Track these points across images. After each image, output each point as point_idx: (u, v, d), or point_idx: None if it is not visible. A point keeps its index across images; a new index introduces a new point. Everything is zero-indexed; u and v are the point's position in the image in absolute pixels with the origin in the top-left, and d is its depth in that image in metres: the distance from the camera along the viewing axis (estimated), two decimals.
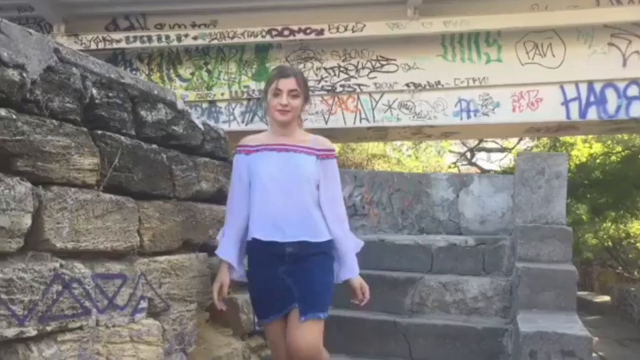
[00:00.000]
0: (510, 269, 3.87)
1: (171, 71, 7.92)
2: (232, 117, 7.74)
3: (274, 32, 7.41)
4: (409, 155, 16.35)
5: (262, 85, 7.72)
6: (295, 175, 2.69)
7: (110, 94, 2.37)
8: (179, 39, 7.50)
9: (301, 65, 7.70)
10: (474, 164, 15.89)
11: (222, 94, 7.78)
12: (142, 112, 2.56)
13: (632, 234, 16.31)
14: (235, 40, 7.47)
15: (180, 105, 2.87)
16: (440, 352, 3.53)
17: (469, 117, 7.50)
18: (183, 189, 2.79)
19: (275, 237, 2.67)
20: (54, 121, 2.07)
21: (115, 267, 2.28)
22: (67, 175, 2.10)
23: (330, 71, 7.71)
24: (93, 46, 7.27)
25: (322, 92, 7.64)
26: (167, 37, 7.51)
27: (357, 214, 5.43)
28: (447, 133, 8.68)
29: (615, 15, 7.22)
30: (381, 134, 8.50)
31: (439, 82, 7.49)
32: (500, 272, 3.97)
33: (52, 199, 2.02)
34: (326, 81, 7.68)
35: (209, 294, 2.89)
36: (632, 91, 7.30)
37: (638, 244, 16.74)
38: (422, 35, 7.29)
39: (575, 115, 7.40)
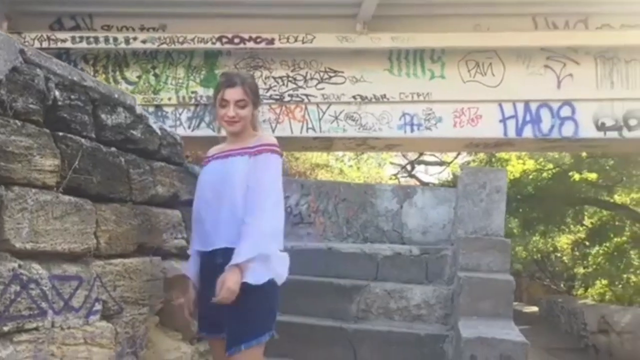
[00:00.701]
0: (452, 278, 4.05)
1: (117, 73, 7.80)
2: (178, 122, 7.69)
3: (224, 39, 7.43)
4: (351, 166, 16.60)
5: (211, 91, 7.71)
6: (227, 179, 2.57)
7: (72, 96, 2.39)
8: (127, 41, 7.41)
9: (250, 73, 7.74)
10: (414, 176, 16.28)
11: (169, 99, 7.72)
12: (103, 115, 2.57)
13: (559, 248, 17.05)
14: (185, 45, 7.45)
15: (139, 109, 2.90)
16: (385, 358, 3.66)
17: (412, 130, 7.70)
18: (140, 192, 2.81)
19: (205, 246, 2.60)
20: (17, 121, 2.07)
21: (72, 269, 2.29)
22: (28, 175, 2.10)
23: (279, 80, 7.77)
24: (37, 45, 7.08)
25: (270, 101, 7.70)
26: (115, 39, 7.41)
27: (303, 222, 5.53)
28: (390, 145, 8.88)
29: (551, 40, 7.58)
30: (326, 144, 8.61)
31: (384, 96, 7.66)
32: (442, 280, 4.14)
33: (13, 199, 2.02)
34: (274, 90, 7.74)
35: (161, 297, 2.92)
36: (565, 112, 7.65)
37: (564, 258, 17.50)
38: (370, 49, 7.47)
39: (512, 133, 7.70)
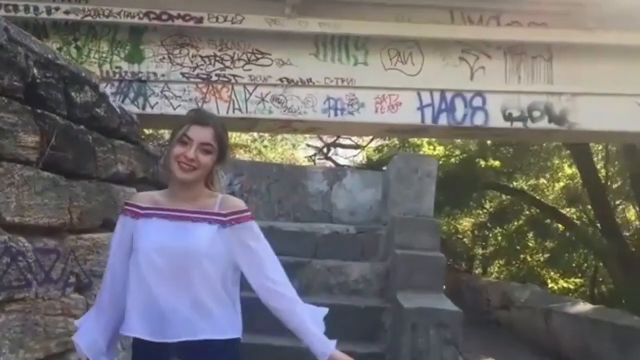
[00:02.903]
0: (386, 255, 4.36)
1: None
2: None
3: (151, 15, 7.35)
4: (266, 146, 16.75)
5: (135, 67, 7.76)
6: (188, 251, 2.07)
7: (48, 74, 2.44)
8: (49, 11, 7.17)
9: (177, 51, 7.71)
10: (330, 159, 16.68)
11: (92, 73, 7.54)
12: (73, 94, 2.63)
13: (461, 230, 18.07)
14: (111, 19, 7.30)
15: (101, 88, 2.95)
16: (327, 329, 3.90)
17: (336, 114, 7.93)
18: (104, 170, 2.88)
19: (157, 337, 2.05)
20: (4, 98, 2.12)
21: (51, 243, 2.36)
22: (14, 151, 2.16)
23: (206, 59, 7.77)
24: None
25: (197, 80, 7.71)
26: (36, 8, 7.14)
27: None
28: (313, 128, 9.10)
29: (466, 33, 8.03)
30: (250, 124, 8.70)
31: (310, 80, 7.84)
32: (377, 257, 4.44)
33: (2, 174, 2.08)
34: (201, 69, 7.73)
35: None
36: (477, 102, 8.13)
37: (465, 239, 18.58)
38: (298, 33, 7.63)
39: (428, 120, 8.08)
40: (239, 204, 2.25)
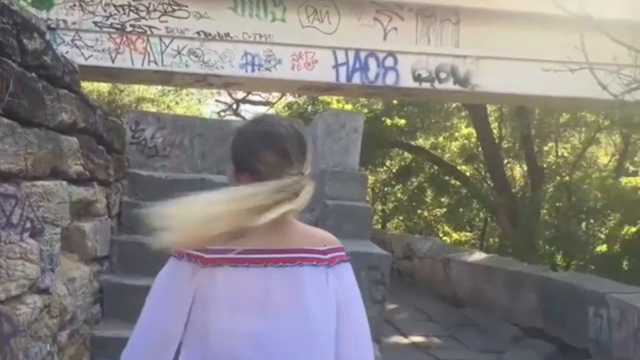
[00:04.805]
0: (314, 206, 4.58)
1: None
2: None
3: None
4: (172, 100, 16.42)
5: (44, 14, 7.42)
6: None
7: (4, 20, 2.41)
8: None
9: None
10: (239, 115, 16.62)
11: None
12: (25, 41, 2.61)
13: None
14: None
15: (47, 35, 2.93)
16: None
17: (253, 70, 8.03)
18: (52, 118, 2.88)
19: None
20: None
21: (10, 188, 2.39)
22: None
23: (120, 9, 7.58)
24: None
25: (111, 30, 7.51)
26: None
27: (158, 154, 5.68)
28: (229, 84, 9.13)
29: None
30: (166, 78, 8.61)
31: (228, 34, 7.86)
32: (305, 208, 4.65)
33: None
34: (115, 19, 7.55)
35: (67, 220, 3.07)
36: (389, 62, 8.50)
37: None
38: None
39: (343, 79, 8.38)
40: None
